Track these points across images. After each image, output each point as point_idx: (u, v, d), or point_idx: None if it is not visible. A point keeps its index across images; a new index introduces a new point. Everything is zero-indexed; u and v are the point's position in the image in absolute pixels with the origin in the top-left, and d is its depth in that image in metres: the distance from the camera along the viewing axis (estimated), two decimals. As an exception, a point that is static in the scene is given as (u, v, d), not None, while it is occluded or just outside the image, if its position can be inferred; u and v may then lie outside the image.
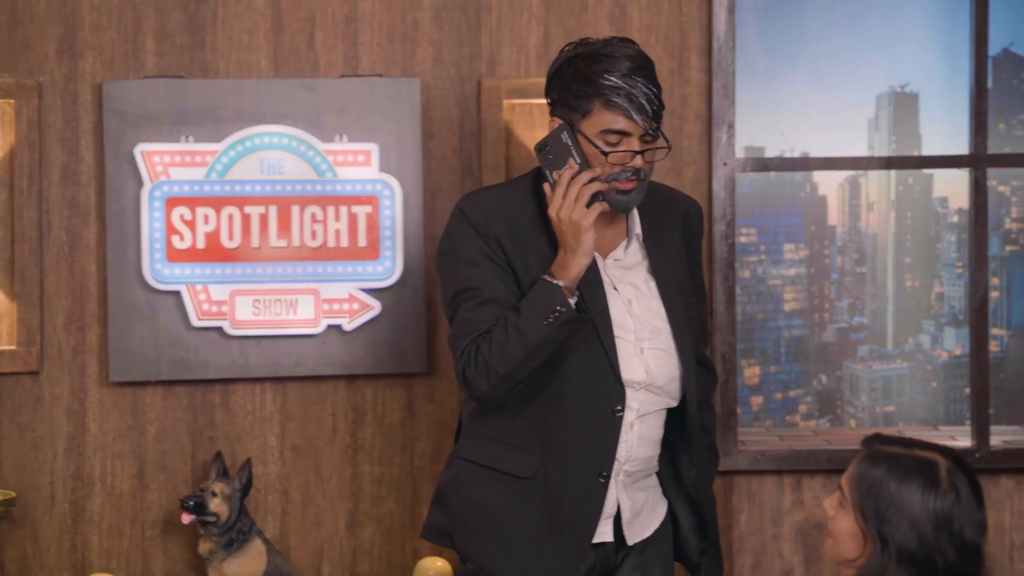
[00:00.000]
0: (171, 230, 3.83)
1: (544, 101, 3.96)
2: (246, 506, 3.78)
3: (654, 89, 2.84)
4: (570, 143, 2.87)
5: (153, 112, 3.84)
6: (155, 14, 3.88)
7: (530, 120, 4.00)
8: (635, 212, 2.96)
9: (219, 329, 3.86)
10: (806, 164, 4.21)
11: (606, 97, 2.83)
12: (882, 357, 4.33)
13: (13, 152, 3.82)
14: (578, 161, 2.86)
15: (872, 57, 4.29)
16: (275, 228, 3.87)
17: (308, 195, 3.88)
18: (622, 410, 2.89)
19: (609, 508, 2.95)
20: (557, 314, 2.79)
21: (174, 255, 3.84)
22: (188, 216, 3.84)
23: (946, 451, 2.39)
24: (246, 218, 3.86)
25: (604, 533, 2.95)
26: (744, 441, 4.09)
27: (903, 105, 4.28)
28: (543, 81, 3.93)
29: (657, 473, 3.07)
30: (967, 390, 4.27)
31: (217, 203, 3.85)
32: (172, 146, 3.84)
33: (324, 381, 3.93)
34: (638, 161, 2.85)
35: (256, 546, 3.77)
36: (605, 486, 2.90)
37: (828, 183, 4.37)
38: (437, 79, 3.98)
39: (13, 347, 3.83)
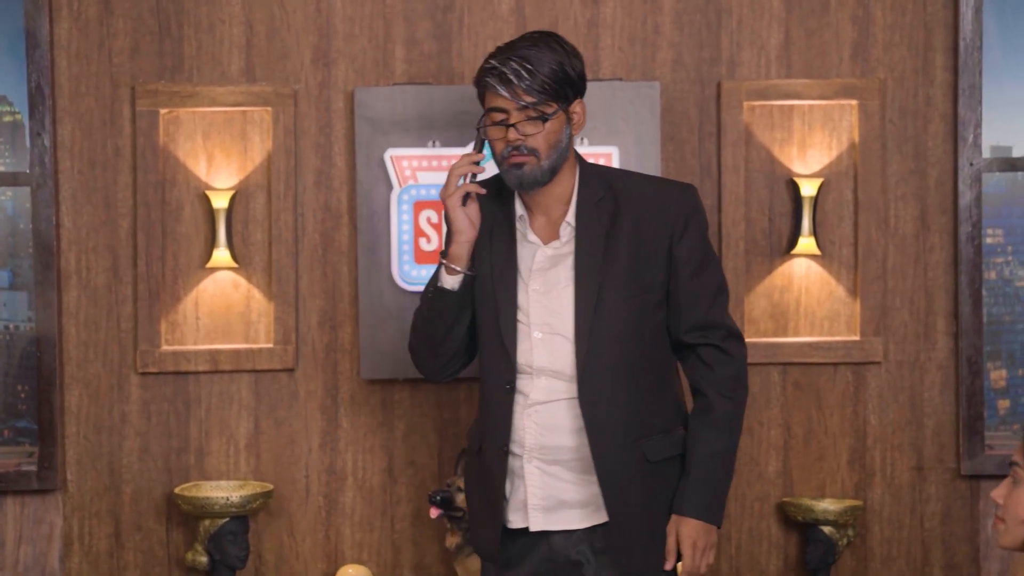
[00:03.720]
0: (419, 232, 4.14)
1: (785, 102, 4.19)
2: (491, 502, 4.06)
3: (529, 67, 3.13)
4: (479, 132, 3.27)
5: (402, 118, 4.15)
6: (404, 23, 4.21)
7: (770, 122, 4.21)
8: (573, 204, 3.23)
9: (464, 329, 4.16)
10: (1055, 163, 4.32)
11: (482, 78, 3.22)
12: None
13: (271, 158, 4.19)
14: (475, 147, 3.26)
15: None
16: (518, 230, 4.14)
17: (550, 198, 4.14)
18: (512, 385, 3.20)
19: (522, 494, 3.24)
20: (432, 289, 3.27)
21: (422, 257, 4.15)
22: (435, 219, 4.15)
23: None
24: (490, 220, 4.14)
25: (524, 518, 3.24)
26: (991, 445, 4.23)
27: None
28: (784, 83, 4.19)
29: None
30: None
31: (462, 206, 4.14)
32: (420, 151, 4.15)
33: (565, 381, 4.19)
34: (511, 134, 3.16)
35: (501, 541, 4.05)
36: (504, 463, 3.21)
37: (1077, 182, 4.47)
38: (677, 82, 4.22)
39: (271, 345, 4.20)
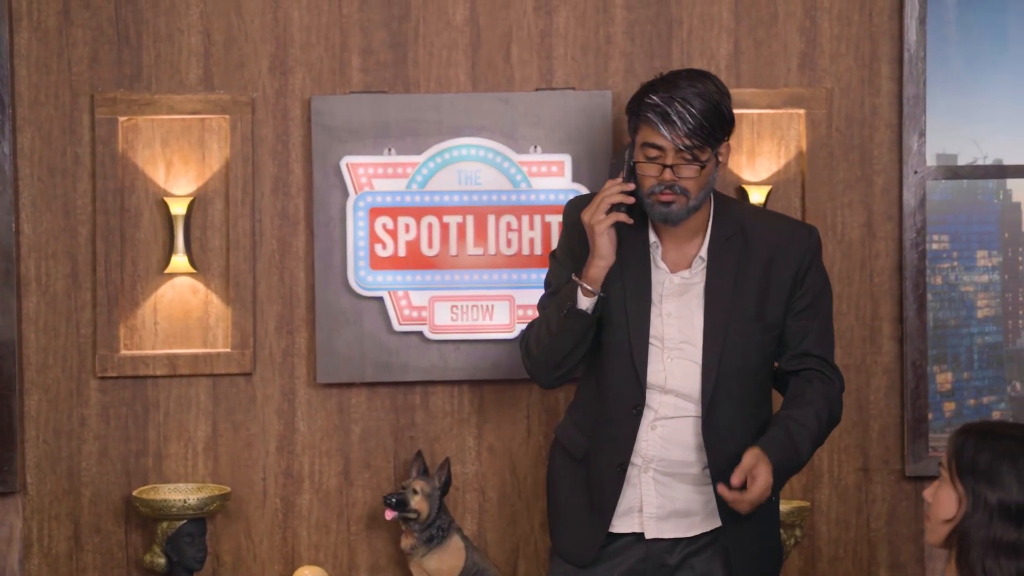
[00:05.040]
0: (374, 239, 4.25)
1: (734, 111, 4.29)
2: (445, 504, 4.16)
3: (692, 110, 3.26)
4: (626, 159, 3.37)
5: (358, 126, 4.26)
6: (360, 32, 4.31)
7: (720, 130, 4.32)
8: (707, 238, 3.40)
9: (419, 334, 4.27)
10: (998, 172, 4.46)
11: (644, 113, 3.32)
12: (1078, 364, 4.56)
13: (228, 165, 4.29)
14: (623, 175, 3.34)
15: (1068, 63, 4.52)
16: (472, 237, 4.26)
17: (504, 205, 4.27)
18: (640, 409, 3.37)
19: (633, 501, 3.42)
20: (567, 309, 3.35)
21: (377, 263, 4.25)
22: (390, 225, 4.25)
23: None
24: (445, 227, 4.26)
25: (632, 524, 3.43)
26: (935, 447, 4.36)
27: (1099, 111, 4.50)
28: (733, 92, 4.25)
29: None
30: None
31: (417, 213, 4.25)
32: (375, 158, 4.25)
33: (519, 384, 4.31)
34: (667, 175, 3.30)
35: (455, 543, 4.16)
36: (621, 478, 3.39)
37: (1022, 190, 4.59)
38: (629, 91, 4.30)
39: (228, 350, 4.30)
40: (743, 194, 4.30)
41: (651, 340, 3.38)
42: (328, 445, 4.34)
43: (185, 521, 4.13)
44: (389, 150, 4.28)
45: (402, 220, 4.27)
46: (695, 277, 3.40)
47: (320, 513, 4.34)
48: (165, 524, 4.14)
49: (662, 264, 3.42)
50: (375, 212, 4.26)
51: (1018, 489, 2.68)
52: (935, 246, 4.48)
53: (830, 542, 4.37)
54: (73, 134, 4.30)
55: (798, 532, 4.23)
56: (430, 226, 4.28)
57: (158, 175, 4.31)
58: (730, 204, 3.49)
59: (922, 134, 4.32)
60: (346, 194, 4.26)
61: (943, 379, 4.53)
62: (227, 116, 4.30)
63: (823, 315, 3.45)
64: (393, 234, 4.27)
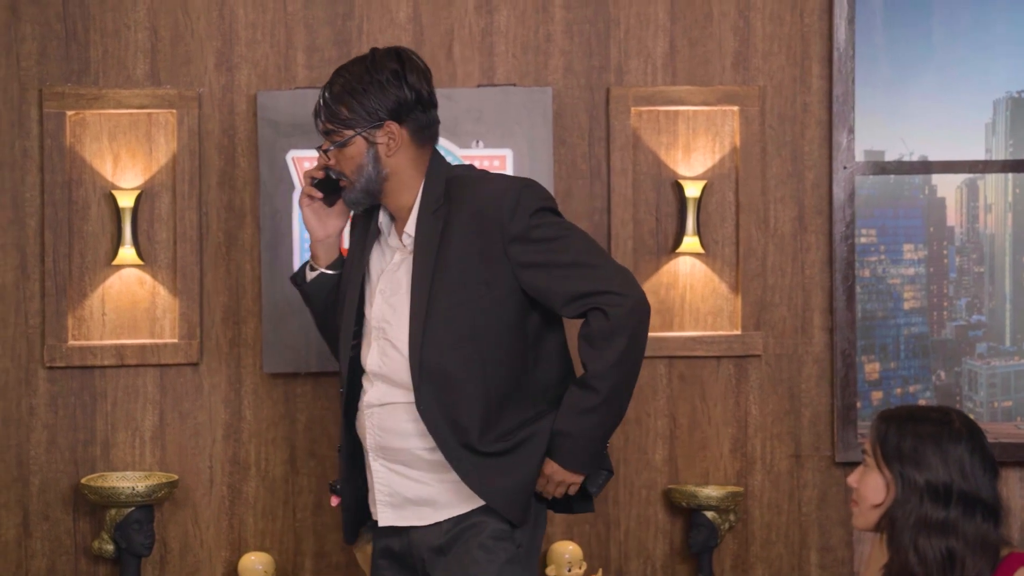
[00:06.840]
0: (320, 231, 4.32)
1: (670, 108, 4.42)
2: (389, 490, 4.26)
3: (327, 94, 3.33)
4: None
5: (303, 121, 4.33)
6: (305, 29, 4.41)
7: (656, 126, 4.46)
8: (414, 214, 3.32)
9: (364, 324, 4.35)
10: (924, 168, 4.62)
11: None
12: (1000, 354, 4.72)
13: (175, 159, 4.37)
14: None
15: (992, 64, 4.69)
16: (416, 229, 4.35)
17: (446, 198, 4.35)
18: (343, 394, 3.42)
19: (374, 490, 3.39)
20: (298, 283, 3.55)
21: (322, 255, 4.33)
22: (335, 218, 4.33)
23: (950, 407, 2.93)
24: (389, 220, 4.34)
25: (375, 513, 3.40)
26: (864, 434, 4.50)
27: (1020, 110, 4.67)
28: (669, 89, 4.42)
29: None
30: (1084, 387, 4.63)
31: (362, 206, 4.34)
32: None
33: (461, 374, 4.40)
34: (321, 159, 3.39)
35: (399, 528, 4.24)
36: (348, 465, 3.46)
37: (947, 185, 4.77)
38: (568, 88, 4.45)
39: (175, 340, 4.38)
40: (680, 189, 4.44)
41: (364, 322, 3.37)
42: (274, 433, 4.43)
43: (133, 508, 4.21)
44: (334, 145, 4.36)
45: (347, 213, 4.35)
46: (409, 255, 3.32)
47: (266, 500, 4.43)
48: (113, 511, 4.21)
49: (395, 242, 3.36)
50: (320, 205, 4.34)
51: (944, 469, 2.82)
52: (863, 240, 4.63)
53: (763, 526, 4.51)
54: (21, 128, 4.36)
55: (732, 517, 4.37)
56: (374, 219, 4.36)
57: (106, 168, 4.38)
58: (446, 175, 3.33)
59: (851, 131, 4.47)
60: (292, 187, 4.35)
61: (871, 368, 4.69)
62: (174, 111, 4.38)
63: (561, 253, 3.21)
64: (338, 227, 4.35)
